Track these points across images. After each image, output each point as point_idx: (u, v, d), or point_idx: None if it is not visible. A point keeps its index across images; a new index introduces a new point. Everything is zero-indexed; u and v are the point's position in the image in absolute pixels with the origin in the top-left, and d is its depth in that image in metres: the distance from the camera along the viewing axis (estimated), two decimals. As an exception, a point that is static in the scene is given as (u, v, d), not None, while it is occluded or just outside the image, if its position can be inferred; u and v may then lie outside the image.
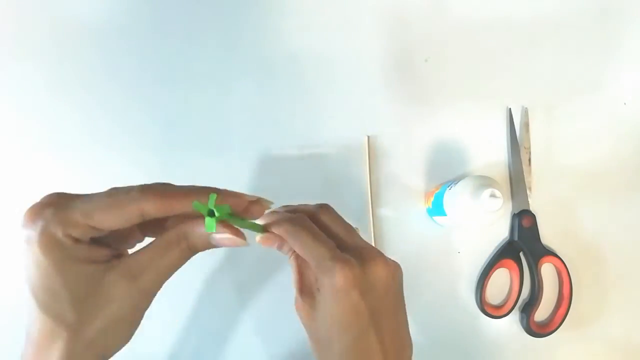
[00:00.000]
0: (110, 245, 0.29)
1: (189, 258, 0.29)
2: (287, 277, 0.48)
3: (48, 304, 0.26)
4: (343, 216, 0.36)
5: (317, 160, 0.49)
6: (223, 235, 0.29)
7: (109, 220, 0.26)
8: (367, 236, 0.48)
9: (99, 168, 0.49)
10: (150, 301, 0.29)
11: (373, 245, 0.45)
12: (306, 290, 0.34)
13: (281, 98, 0.50)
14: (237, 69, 0.50)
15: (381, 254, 0.32)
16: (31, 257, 0.26)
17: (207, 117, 0.50)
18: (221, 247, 0.29)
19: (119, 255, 0.29)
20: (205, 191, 0.28)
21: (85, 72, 0.50)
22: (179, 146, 0.49)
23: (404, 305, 0.34)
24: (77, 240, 0.26)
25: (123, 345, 0.29)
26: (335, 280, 0.30)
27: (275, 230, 0.33)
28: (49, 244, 0.25)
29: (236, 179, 0.49)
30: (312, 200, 0.47)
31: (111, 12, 0.51)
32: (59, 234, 0.26)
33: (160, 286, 0.29)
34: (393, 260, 0.33)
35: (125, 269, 0.27)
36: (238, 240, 0.29)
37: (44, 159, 0.49)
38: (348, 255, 0.31)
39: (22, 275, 0.27)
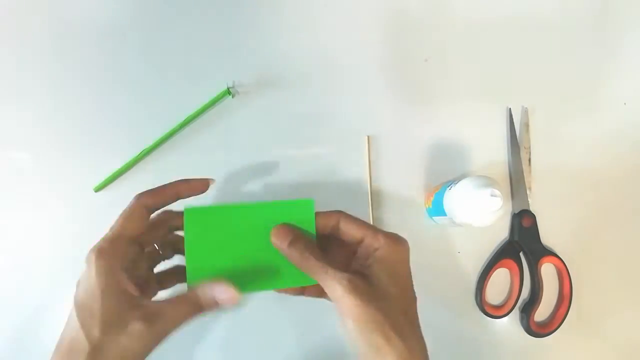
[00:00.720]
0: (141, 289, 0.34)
1: (196, 316, 0.33)
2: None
3: (84, 318, 0.31)
4: None
5: (317, 160, 0.49)
6: (226, 296, 0.33)
7: (132, 226, 0.35)
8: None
9: (99, 166, 0.49)
10: (157, 344, 0.32)
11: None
12: (353, 279, 0.32)
13: (282, 98, 0.50)
14: (237, 69, 0.50)
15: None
16: (87, 278, 0.32)
17: (207, 117, 0.50)
18: (224, 307, 0.33)
19: (142, 301, 0.33)
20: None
21: (86, 71, 0.50)
22: (179, 146, 0.49)
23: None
24: (120, 268, 0.33)
25: None
26: (401, 249, 0.35)
27: (324, 217, 0.36)
28: (102, 272, 0.32)
29: (236, 178, 0.49)
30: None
31: (111, 10, 0.51)
32: (116, 263, 0.33)
33: (169, 335, 0.32)
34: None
35: (147, 311, 0.32)
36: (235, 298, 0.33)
37: (44, 158, 0.50)
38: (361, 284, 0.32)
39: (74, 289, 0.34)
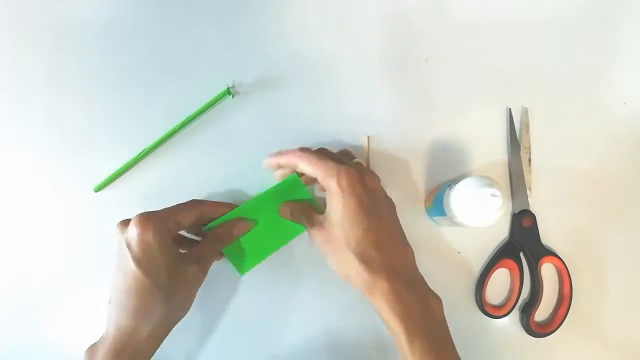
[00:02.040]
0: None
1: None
2: (285, 276, 0.48)
3: (153, 274, 0.37)
4: None
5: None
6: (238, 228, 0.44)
7: (187, 217, 0.41)
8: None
9: (99, 166, 0.49)
10: (202, 280, 0.42)
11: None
12: (314, 219, 0.42)
13: (281, 98, 0.50)
14: (237, 69, 0.50)
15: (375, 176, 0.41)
16: (142, 243, 0.37)
17: (207, 117, 0.50)
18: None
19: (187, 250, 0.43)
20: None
21: (86, 71, 0.50)
22: (179, 146, 0.50)
23: (398, 222, 0.42)
24: (171, 234, 0.39)
25: (184, 316, 0.42)
26: (342, 181, 0.38)
27: (284, 156, 0.42)
28: (157, 233, 0.38)
29: (237, 178, 0.49)
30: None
31: (111, 10, 0.51)
32: (164, 227, 0.38)
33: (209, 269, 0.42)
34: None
35: (194, 256, 0.41)
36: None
37: (44, 158, 0.50)
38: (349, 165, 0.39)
39: (127, 256, 0.38)
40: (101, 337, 0.40)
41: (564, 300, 0.48)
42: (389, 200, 0.42)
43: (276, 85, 0.50)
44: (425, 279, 0.46)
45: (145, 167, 0.49)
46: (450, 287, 0.49)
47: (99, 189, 0.49)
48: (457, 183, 0.41)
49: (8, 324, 0.49)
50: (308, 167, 0.40)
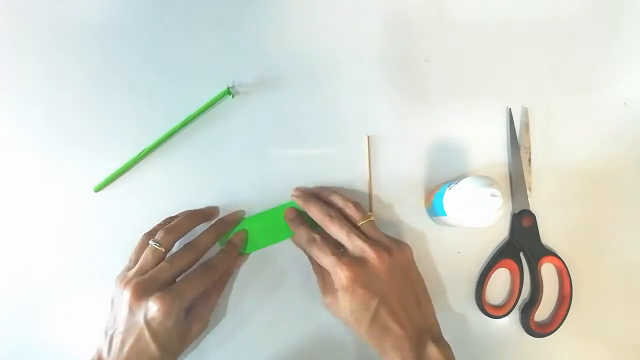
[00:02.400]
0: None
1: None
2: (288, 277, 0.49)
3: (167, 347, 0.41)
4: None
5: (317, 160, 0.49)
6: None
7: (200, 289, 0.43)
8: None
9: (99, 166, 0.49)
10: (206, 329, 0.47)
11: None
12: (328, 288, 0.44)
13: (281, 98, 0.50)
14: (237, 69, 0.50)
15: (375, 247, 0.41)
16: (162, 325, 0.40)
17: (207, 117, 0.50)
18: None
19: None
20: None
21: (86, 71, 0.50)
22: (179, 146, 0.50)
23: (415, 279, 0.43)
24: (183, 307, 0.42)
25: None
26: (341, 282, 0.40)
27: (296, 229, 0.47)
28: (177, 317, 0.41)
29: (237, 179, 0.49)
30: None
31: (112, 10, 0.51)
32: (182, 308, 0.41)
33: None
34: (392, 244, 0.42)
35: (196, 314, 0.44)
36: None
37: (44, 158, 0.50)
38: (347, 257, 0.41)
39: (143, 330, 0.40)
40: None
41: (564, 300, 0.48)
42: (397, 272, 0.41)
43: (276, 85, 0.50)
44: (426, 279, 0.47)
45: (145, 167, 0.49)
46: (450, 287, 0.49)
47: (99, 189, 0.49)
48: (457, 183, 0.41)
49: (8, 324, 0.49)
50: (318, 261, 0.43)
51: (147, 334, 0.39)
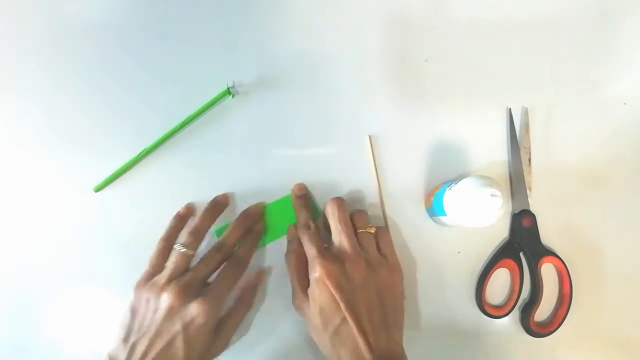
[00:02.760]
0: None
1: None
2: (282, 277, 0.49)
3: (192, 352, 0.40)
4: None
5: (317, 160, 0.49)
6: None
7: (233, 287, 0.44)
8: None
9: (99, 166, 0.49)
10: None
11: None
12: (304, 288, 0.43)
13: (281, 98, 0.50)
14: (237, 69, 0.50)
15: (358, 253, 0.41)
16: (199, 329, 0.40)
17: (207, 117, 0.50)
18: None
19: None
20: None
21: (86, 71, 0.50)
22: (179, 146, 0.50)
23: (390, 304, 0.42)
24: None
25: None
26: (314, 274, 0.41)
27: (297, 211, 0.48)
28: (213, 323, 0.42)
29: (237, 179, 0.49)
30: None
31: (111, 10, 0.51)
32: (215, 310, 0.41)
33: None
34: (379, 262, 0.42)
35: (222, 331, 0.44)
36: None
37: (44, 158, 0.50)
38: (329, 253, 0.42)
39: (178, 333, 0.40)
40: None
41: (564, 300, 0.48)
42: (375, 288, 0.41)
43: (276, 85, 0.50)
44: (426, 279, 0.47)
45: (145, 167, 0.49)
46: (450, 287, 0.49)
47: (99, 189, 0.49)
48: (457, 183, 0.41)
49: (8, 324, 0.49)
50: (303, 246, 0.44)
51: (181, 338, 0.39)
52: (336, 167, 0.49)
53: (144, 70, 0.50)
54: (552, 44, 0.51)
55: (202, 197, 0.49)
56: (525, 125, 0.50)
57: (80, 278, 0.49)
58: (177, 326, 0.39)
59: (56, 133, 0.50)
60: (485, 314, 0.48)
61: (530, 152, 0.49)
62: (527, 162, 0.49)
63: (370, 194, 0.49)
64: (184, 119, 0.49)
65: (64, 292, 0.49)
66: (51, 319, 0.49)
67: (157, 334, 0.39)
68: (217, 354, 0.44)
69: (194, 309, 0.39)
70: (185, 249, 0.43)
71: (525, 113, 0.50)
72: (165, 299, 0.40)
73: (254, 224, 0.47)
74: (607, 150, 0.50)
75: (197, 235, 0.44)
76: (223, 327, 0.44)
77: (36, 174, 0.49)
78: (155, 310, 0.40)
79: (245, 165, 0.49)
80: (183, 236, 0.44)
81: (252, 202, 0.49)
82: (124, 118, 0.50)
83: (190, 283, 0.41)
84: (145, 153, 0.49)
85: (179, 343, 0.39)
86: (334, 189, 0.49)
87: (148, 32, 0.51)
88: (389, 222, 0.49)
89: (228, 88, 0.48)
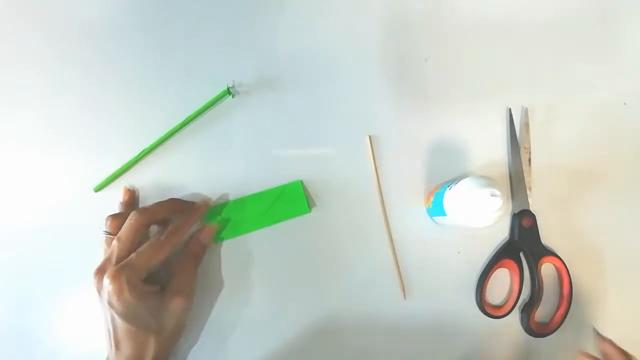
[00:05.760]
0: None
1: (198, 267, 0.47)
2: (281, 271, 0.49)
3: (139, 322, 0.40)
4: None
5: (317, 160, 0.49)
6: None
7: (156, 259, 0.42)
8: (379, 235, 0.48)
9: (99, 166, 0.49)
10: (192, 305, 0.45)
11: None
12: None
13: (282, 98, 0.50)
14: (237, 69, 0.50)
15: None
16: (120, 300, 0.40)
17: (207, 117, 0.50)
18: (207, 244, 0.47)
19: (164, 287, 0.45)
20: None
21: (86, 71, 0.50)
22: (179, 146, 0.50)
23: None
24: (142, 278, 0.41)
25: (180, 339, 0.45)
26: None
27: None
28: (132, 288, 0.40)
29: (237, 179, 0.49)
30: (312, 198, 0.48)
31: (111, 10, 0.51)
32: (136, 279, 0.41)
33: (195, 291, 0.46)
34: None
35: (174, 289, 0.44)
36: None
37: (44, 158, 0.50)
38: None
39: (111, 312, 0.40)
40: None
41: (564, 300, 0.48)
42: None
43: (276, 85, 0.50)
44: (426, 279, 0.46)
45: (145, 167, 0.49)
46: (450, 287, 0.49)
47: (99, 189, 0.49)
48: (457, 183, 0.41)
49: (8, 324, 0.49)
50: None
51: (114, 314, 0.40)
52: (336, 167, 0.49)
53: (144, 71, 0.50)
54: (552, 44, 0.51)
55: (202, 197, 0.49)
56: (525, 125, 0.50)
57: (80, 278, 0.49)
58: (106, 306, 0.40)
59: (56, 133, 0.50)
60: (485, 314, 0.48)
61: (530, 152, 0.49)
62: (527, 162, 0.49)
63: (370, 194, 0.49)
64: (184, 119, 0.49)
65: (64, 292, 0.49)
66: (51, 319, 0.49)
67: (105, 319, 0.41)
68: (179, 312, 0.43)
69: (105, 285, 0.40)
70: (106, 234, 0.44)
71: (525, 113, 0.50)
72: (94, 290, 0.41)
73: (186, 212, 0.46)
74: (607, 150, 0.50)
75: (118, 217, 0.43)
76: (173, 285, 0.44)
77: (36, 174, 0.49)
78: (99, 300, 0.42)
79: (245, 165, 0.49)
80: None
81: (252, 202, 0.49)
82: (124, 118, 0.50)
83: (105, 263, 0.41)
84: (145, 153, 0.49)
85: (116, 318, 0.40)
86: (334, 188, 0.49)
87: (148, 32, 0.51)
88: (389, 222, 0.49)
89: (228, 88, 0.48)
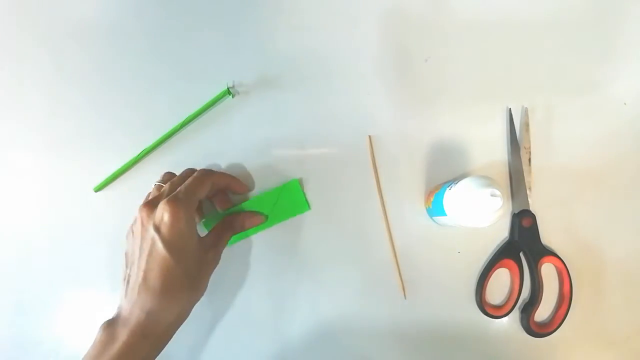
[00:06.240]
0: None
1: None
2: (281, 271, 0.49)
3: (183, 261, 0.39)
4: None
5: (317, 160, 0.49)
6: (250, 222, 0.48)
7: (203, 194, 0.43)
8: (379, 235, 0.48)
9: (99, 166, 0.49)
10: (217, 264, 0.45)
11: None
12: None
13: (281, 98, 0.50)
14: (237, 69, 0.50)
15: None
16: (174, 228, 0.39)
17: (207, 117, 0.50)
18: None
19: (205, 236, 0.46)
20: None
21: (85, 71, 0.50)
22: (179, 146, 0.50)
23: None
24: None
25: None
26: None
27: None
28: (189, 221, 0.40)
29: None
30: (312, 198, 0.48)
31: (111, 11, 0.51)
32: (193, 213, 0.41)
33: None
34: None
35: (211, 241, 0.45)
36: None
37: (44, 158, 0.50)
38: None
39: (156, 240, 0.39)
40: (121, 316, 0.39)
41: (564, 300, 0.48)
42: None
43: (276, 85, 0.50)
44: (426, 279, 0.46)
45: (145, 167, 0.49)
46: (450, 287, 0.49)
47: (99, 189, 0.49)
48: (457, 183, 0.41)
49: (8, 324, 0.49)
50: None
51: (157, 242, 0.38)
52: (336, 167, 0.49)
53: (144, 71, 0.50)
54: (552, 44, 0.51)
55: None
56: (525, 125, 0.50)
57: (80, 278, 0.49)
58: (151, 231, 0.39)
59: (56, 133, 0.50)
60: (485, 314, 0.48)
61: (530, 152, 0.49)
62: (527, 162, 0.49)
63: (370, 194, 0.49)
64: (184, 119, 0.49)
65: (64, 291, 0.49)
66: (51, 319, 0.49)
67: (141, 247, 0.40)
68: (209, 266, 0.44)
69: (159, 211, 0.39)
70: (158, 183, 0.44)
71: (525, 113, 0.50)
72: (137, 219, 0.41)
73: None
74: (607, 150, 0.50)
75: (173, 176, 0.45)
76: (211, 239, 0.45)
77: (36, 174, 0.49)
78: (134, 236, 0.41)
79: (246, 165, 0.49)
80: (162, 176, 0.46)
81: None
82: (124, 118, 0.50)
83: (157, 198, 0.41)
84: (146, 153, 0.49)
85: (159, 244, 0.38)
86: (334, 188, 0.49)
87: (148, 33, 0.51)
88: (389, 222, 0.49)
89: (228, 88, 0.48)
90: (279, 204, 0.48)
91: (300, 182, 0.49)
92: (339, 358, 0.48)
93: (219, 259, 0.45)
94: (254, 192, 0.49)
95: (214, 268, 0.45)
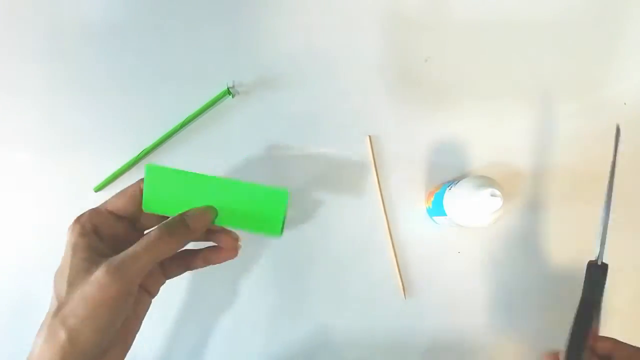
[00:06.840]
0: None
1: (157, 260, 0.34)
2: (281, 272, 0.48)
3: (56, 282, 0.34)
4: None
5: (317, 160, 0.49)
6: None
7: (119, 203, 0.36)
8: (379, 236, 0.48)
9: (99, 166, 0.49)
10: (126, 294, 0.32)
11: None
12: None
13: (281, 98, 0.50)
14: (237, 69, 0.50)
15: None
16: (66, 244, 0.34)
17: (207, 117, 0.50)
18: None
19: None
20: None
21: (85, 71, 0.50)
22: (179, 146, 0.50)
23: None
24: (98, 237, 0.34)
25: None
26: None
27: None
28: (75, 235, 0.34)
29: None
30: (312, 198, 0.48)
31: (111, 10, 0.51)
32: (88, 225, 0.34)
33: (136, 283, 0.33)
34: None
35: (112, 262, 0.32)
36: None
37: (44, 158, 0.50)
38: None
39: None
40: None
41: (564, 301, 0.48)
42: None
43: (276, 85, 0.50)
44: (426, 279, 0.46)
45: (142, 167, 0.49)
46: (451, 287, 0.49)
47: (99, 189, 0.49)
48: (457, 183, 0.41)
49: (8, 324, 0.49)
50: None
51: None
52: (336, 167, 0.49)
53: (143, 70, 0.50)
54: (552, 44, 0.51)
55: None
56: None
57: (80, 278, 0.49)
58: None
59: (56, 133, 0.50)
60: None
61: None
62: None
63: (370, 194, 0.49)
64: (184, 119, 0.49)
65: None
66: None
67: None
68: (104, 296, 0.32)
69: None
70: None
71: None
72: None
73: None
74: (607, 150, 0.50)
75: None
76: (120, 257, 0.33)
77: (36, 174, 0.49)
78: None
79: (246, 165, 0.49)
80: None
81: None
82: (124, 118, 0.50)
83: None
84: (145, 153, 0.49)
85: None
86: (334, 188, 0.49)
87: (148, 32, 0.51)
88: (389, 222, 0.49)
89: (228, 88, 0.48)
90: (254, 207, 0.37)
91: (289, 197, 0.37)
92: (339, 358, 0.48)
93: (122, 288, 0.31)
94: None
95: (108, 295, 0.31)
